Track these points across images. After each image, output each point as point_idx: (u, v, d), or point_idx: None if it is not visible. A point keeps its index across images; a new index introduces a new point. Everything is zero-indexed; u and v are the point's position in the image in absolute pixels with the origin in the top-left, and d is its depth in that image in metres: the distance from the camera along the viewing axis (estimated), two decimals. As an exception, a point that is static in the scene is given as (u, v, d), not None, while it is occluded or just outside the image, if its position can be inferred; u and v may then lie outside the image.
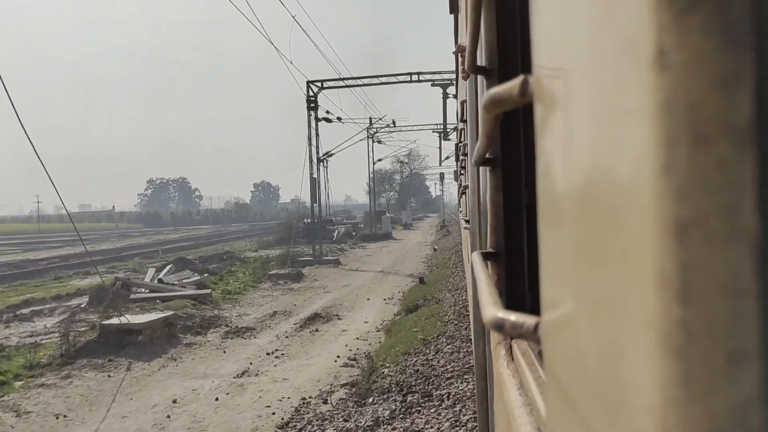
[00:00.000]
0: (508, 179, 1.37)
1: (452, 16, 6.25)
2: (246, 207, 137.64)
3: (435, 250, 29.66)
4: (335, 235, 36.77)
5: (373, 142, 43.02)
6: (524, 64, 1.35)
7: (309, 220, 32.18)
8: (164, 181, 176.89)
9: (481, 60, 1.46)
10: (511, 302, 1.33)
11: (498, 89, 0.76)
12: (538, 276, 0.63)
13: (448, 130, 32.24)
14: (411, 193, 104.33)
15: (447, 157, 45.47)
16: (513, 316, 0.73)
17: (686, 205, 0.28)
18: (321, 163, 27.50)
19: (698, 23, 0.27)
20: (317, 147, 27.22)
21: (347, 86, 28.56)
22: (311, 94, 27.19)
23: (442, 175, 66.61)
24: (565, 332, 0.50)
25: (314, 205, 28.53)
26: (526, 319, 0.69)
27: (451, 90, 26.74)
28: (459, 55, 3.54)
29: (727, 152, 0.27)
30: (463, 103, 4.23)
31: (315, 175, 26.79)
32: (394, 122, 40.97)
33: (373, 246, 35.52)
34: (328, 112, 28.62)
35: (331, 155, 28.29)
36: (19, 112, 8.88)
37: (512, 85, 0.69)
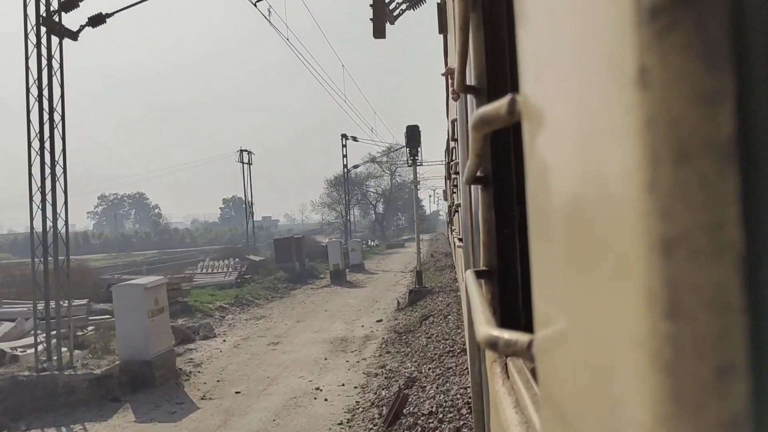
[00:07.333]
0: (499, 197, 1.37)
1: (441, 36, 6.31)
2: (173, 231, 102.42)
3: None
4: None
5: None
6: (513, 83, 1.36)
7: None
8: (118, 196, 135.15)
9: (470, 79, 1.47)
10: (505, 320, 1.33)
11: (486, 108, 0.77)
12: (531, 293, 0.63)
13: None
14: (398, 208, 78.37)
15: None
16: (506, 334, 0.72)
17: (671, 222, 0.28)
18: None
19: (679, 42, 0.27)
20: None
21: None
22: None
23: (412, 159, 20.64)
24: (557, 349, 0.50)
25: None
26: (520, 337, 0.69)
27: None
28: (449, 76, 3.57)
29: (710, 169, 0.27)
30: (453, 122, 4.26)
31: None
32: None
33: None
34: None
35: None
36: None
37: (500, 104, 0.69)
